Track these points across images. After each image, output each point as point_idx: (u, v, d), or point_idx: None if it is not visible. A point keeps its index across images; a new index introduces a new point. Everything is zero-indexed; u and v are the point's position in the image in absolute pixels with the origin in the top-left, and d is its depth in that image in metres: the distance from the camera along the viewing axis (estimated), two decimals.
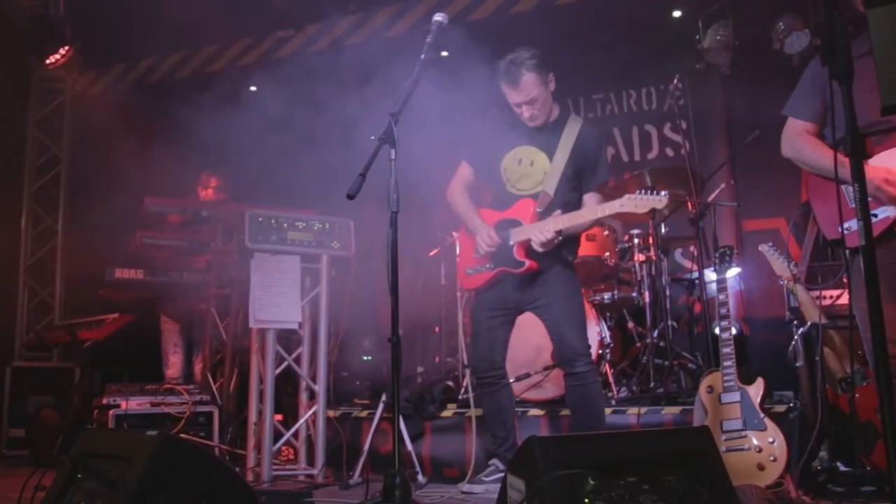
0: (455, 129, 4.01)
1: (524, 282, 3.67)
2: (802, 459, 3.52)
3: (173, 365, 5.49)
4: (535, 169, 3.70)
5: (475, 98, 3.84)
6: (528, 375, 4.53)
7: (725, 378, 3.50)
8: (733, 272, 3.22)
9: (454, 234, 5.39)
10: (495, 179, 3.82)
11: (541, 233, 3.47)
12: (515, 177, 3.75)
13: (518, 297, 3.70)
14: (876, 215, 2.80)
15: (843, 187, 2.70)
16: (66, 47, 6.80)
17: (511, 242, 3.62)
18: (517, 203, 3.70)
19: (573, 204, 3.66)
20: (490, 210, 3.81)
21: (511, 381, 4.44)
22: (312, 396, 4.41)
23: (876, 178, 2.70)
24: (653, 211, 4.87)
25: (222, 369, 5.14)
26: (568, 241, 3.71)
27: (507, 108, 3.74)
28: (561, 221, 3.48)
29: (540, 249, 3.52)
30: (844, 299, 4.15)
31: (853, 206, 2.11)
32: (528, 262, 3.58)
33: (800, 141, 2.97)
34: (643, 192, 3.30)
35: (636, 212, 3.33)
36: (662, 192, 3.29)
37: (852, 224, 2.45)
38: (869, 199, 2.69)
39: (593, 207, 3.52)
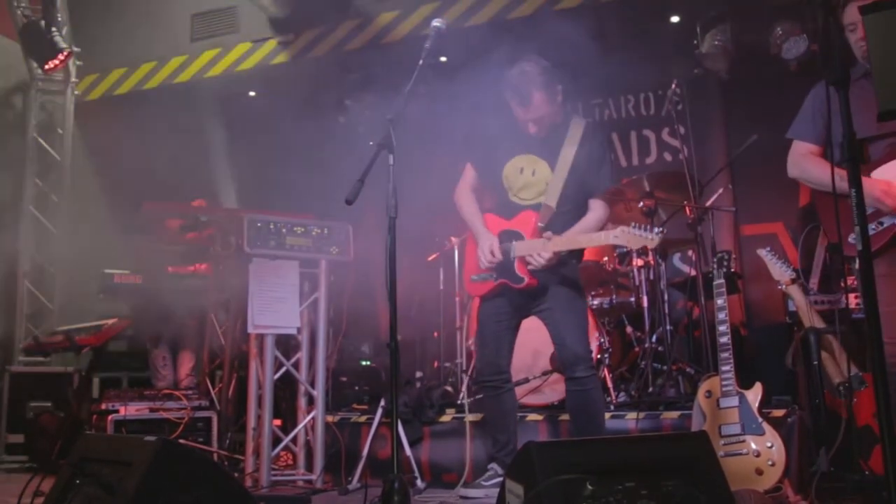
0: (457, 132, 4.02)
1: (528, 294, 3.68)
2: (800, 464, 3.52)
3: (164, 378, 5.50)
4: (538, 179, 3.69)
5: (476, 101, 3.85)
6: (526, 380, 4.53)
7: (724, 383, 3.50)
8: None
9: (453, 239, 5.41)
10: (497, 186, 3.82)
11: (539, 255, 3.50)
12: (518, 186, 3.74)
13: (523, 301, 3.72)
14: (882, 223, 2.83)
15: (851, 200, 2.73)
16: (66, 52, 6.80)
17: (512, 255, 3.62)
18: (520, 214, 3.69)
19: (577, 212, 3.66)
20: (494, 216, 3.79)
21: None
22: (311, 401, 4.41)
23: (875, 191, 2.76)
24: (650, 215, 4.94)
25: (221, 374, 5.14)
26: (572, 255, 3.71)
27: (508, 114, 3.72)
28: (558, 244, 3.50)
29: (539, 269, 3.54)
30: (841, 304, 4.16)
31: None
32: (527, 279, 3.59)
33: (805, 162, 3.11)
34: (638, 227, 3.37)
35: (628, 246, 3.43)
36: (656, 230, 3.40)
37: None
38: (871, 210, 2.75)
39: (590, 235, 3.55)
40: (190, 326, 5.44)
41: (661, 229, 3.40)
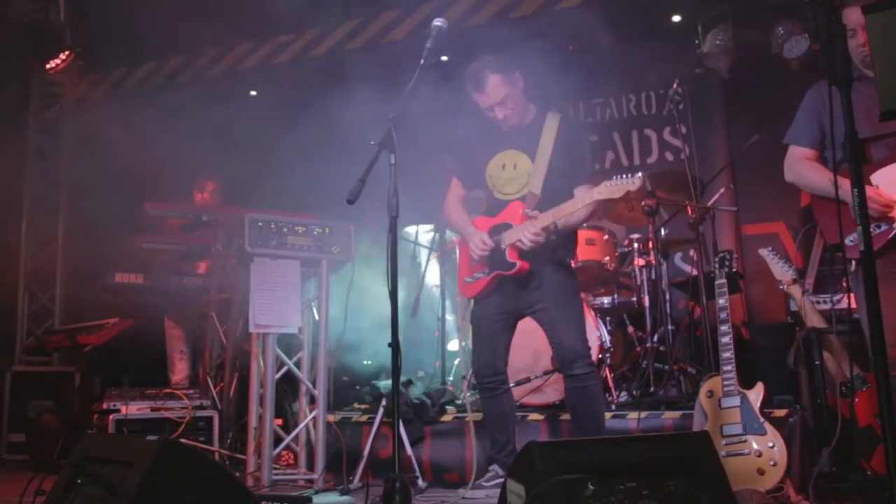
0: (447, 138, 4.04)
1: (521, 285, 3.67)
2: (802, 464, 3.52)
3: (180, 371, 5.48)
4: (519, 172, 3.72)
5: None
6: (527, 380, 4.52)
7: (725, 382, 3.50)
8: None
9: (454, 238, 5.41)
10: (484, 188, 3.86)
11: (528, 231, 3.50)
12: (501, 182, 3.77)
13: (517, 301, 3.71)
14: (879, 226, 2.84)
15: (847, 203, 2.74)
16: (67, 52, 6.80)
17: (503, 246, 3.63)
18: (507, 207, 3.72)
19: (563, 199, 3.64)
20: (484, 217, 3.83)
21: (511, 385, 4.45)
22: (312, 401, 4.41)
23: None
24: (651, 214, 4.93)
25: (222, 374, 5.13)
26: (563, 242, 3.71)
27: (483, 117, 3.76)
28: (545, 218, 3.51)
29: (529, 248, 3.53)
30: (843, 304, 4.16)
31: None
32: (519, 263, 3.59)
33: (801, 166, 3.14)
34: (618, 176, 3.37)
35: (613, 196, 3.39)
36: (638, 174, 3.36)
37: (856, 236, 2.49)
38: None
39: (574, 199, 3.53)
40: (209, 324, 5.41)
41: (640, 175, 3.38)
